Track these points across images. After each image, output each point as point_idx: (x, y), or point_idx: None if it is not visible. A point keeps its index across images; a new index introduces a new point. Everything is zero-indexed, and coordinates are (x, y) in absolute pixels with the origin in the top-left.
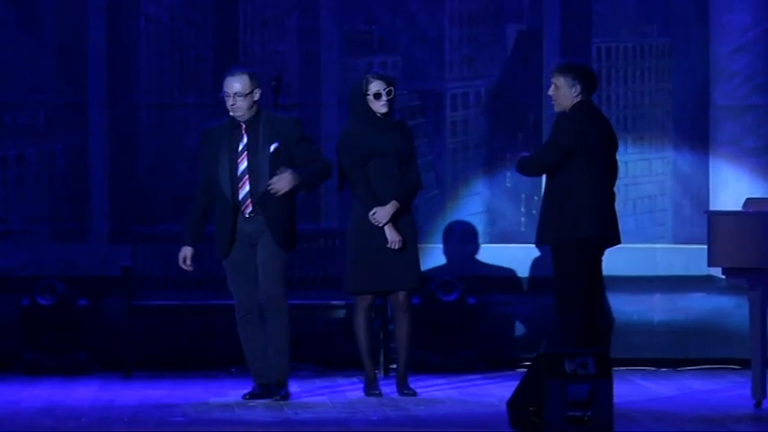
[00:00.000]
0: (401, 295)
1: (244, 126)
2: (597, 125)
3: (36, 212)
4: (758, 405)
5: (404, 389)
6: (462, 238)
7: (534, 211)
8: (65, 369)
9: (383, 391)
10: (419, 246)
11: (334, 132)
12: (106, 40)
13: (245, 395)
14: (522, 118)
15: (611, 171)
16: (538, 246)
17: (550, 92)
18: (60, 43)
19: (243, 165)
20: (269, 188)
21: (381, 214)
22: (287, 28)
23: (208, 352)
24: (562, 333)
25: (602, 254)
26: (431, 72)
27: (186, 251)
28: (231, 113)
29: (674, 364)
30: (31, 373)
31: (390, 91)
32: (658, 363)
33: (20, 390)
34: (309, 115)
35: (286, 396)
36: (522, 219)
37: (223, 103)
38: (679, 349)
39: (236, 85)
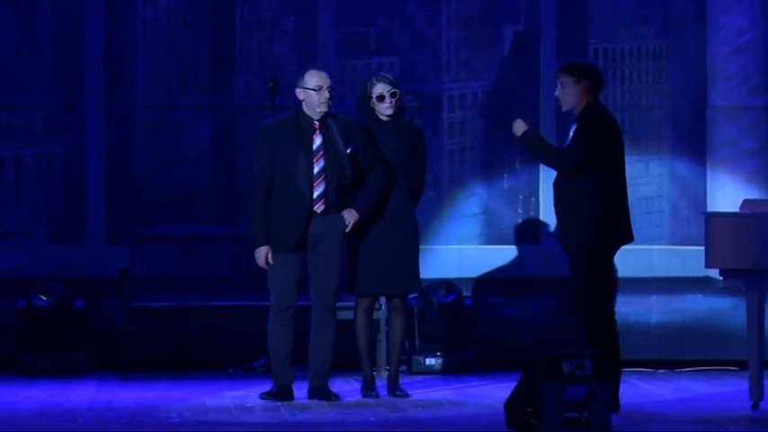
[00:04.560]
0: (398, 298)
1: (318, 124)
2: (614, 128)
3: (33, 214)
4: (755, 406)
5: (395, 390)
6: (459, 240)
7: (531, 212)
8: (62, 370)
9: (380, 393)
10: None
11: None
12: (103, 41)
13: (262, 394)
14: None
15: (623, 171)
16: (564, 252)
17: (557, 92)
18: (57, 45)
19: (320, 165)
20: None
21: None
22: (284, 29)
23: (205, 354)
24: (587, 333)
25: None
26: (428, 74)
27: (266, 250)
28: (320, 109)
29: (671, 365)
30: (27, 374)
31: (395, 93)
32: (655, 364)
33: (17, 391)
34: None
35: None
36: (519, 220)
37: (220, 105)
38: (676, 350)
39: (328, 78)
